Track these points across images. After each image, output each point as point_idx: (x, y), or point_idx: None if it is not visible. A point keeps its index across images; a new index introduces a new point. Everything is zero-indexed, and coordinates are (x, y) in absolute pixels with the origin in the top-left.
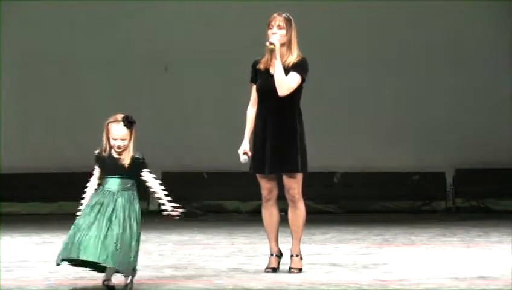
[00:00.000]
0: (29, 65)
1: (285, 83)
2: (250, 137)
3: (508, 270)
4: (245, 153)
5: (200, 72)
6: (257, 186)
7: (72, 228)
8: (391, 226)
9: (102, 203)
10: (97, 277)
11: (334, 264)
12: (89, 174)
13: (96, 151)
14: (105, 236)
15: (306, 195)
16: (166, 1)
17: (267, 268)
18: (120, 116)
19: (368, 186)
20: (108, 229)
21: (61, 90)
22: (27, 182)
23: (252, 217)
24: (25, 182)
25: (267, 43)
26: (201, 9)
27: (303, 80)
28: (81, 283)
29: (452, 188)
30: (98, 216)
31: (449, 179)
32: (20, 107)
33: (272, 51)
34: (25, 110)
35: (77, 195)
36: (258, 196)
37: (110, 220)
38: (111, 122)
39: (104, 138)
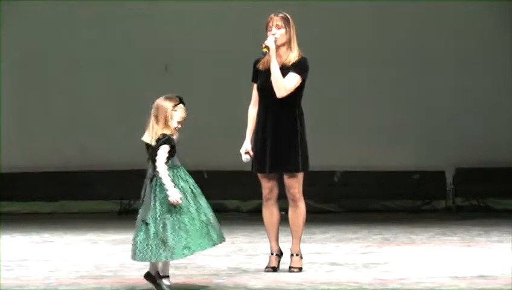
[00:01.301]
0: (29, 65)
1: (283, 84)
2: (252, 136)
3: (508, 270)
4: (247, 153)
5: (200, 72)
6: (257, 186)
7: (186, 219)
8: (391, 225)
9: (188, 185)
10: (96, 276)
11: (334, 264)
12: (89, 173)
13: (165, 133)
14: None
15: (306, 194)
16: (166, 1)
17: (267, 267)
18: (176, 98)
19: (368, 185)
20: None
21: (61, 90)
22: (27, 181)
23: (252, 217)
24: (24, 181)
25: (263, 45)
26: (201, 9)
27: (303, 80)
28: (83, 282)
29: (452, 187)
30: (198, 202)
31: (449, 178)
32: (20, 107)
33: (265, 54)
34: (25, 110)
35: (77, 194)
36: (258, 195)
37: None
38: (177, 104)
39: (170, 121)
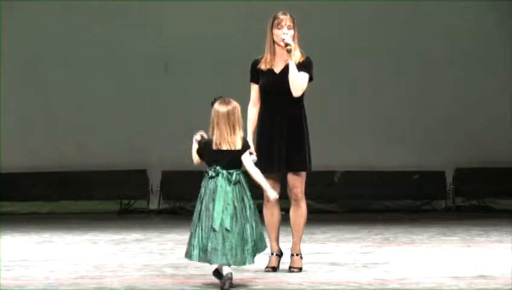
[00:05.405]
0: (29, 65)
1: (299, 84)
2: (254, 137)
3: (508, 270)
4: (251, 154)
5: (200, 72)
6: (257, 186)
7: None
8: (391, 225)
9: None
10: (96, 276)
11: (334, 263)
12: (89, 173)
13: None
14: None
15: (306, 194)
16: (166, 1)
17: (267, 267)
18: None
19: (368, 185)
20: None
21: (61, 90)
22: (27, 181)
23: None
24: (25, 181)
25: (282, 43)
26: (201, 9)
27: (311, 79)
28: (83, 282)
29: (452, 187)
30: None
31: (449, 178)
32: (20, 107)
33: (289, 51)
34: (25, 110)
35: (77, 194)
36: (258, 195)
37: None
38: None
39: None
